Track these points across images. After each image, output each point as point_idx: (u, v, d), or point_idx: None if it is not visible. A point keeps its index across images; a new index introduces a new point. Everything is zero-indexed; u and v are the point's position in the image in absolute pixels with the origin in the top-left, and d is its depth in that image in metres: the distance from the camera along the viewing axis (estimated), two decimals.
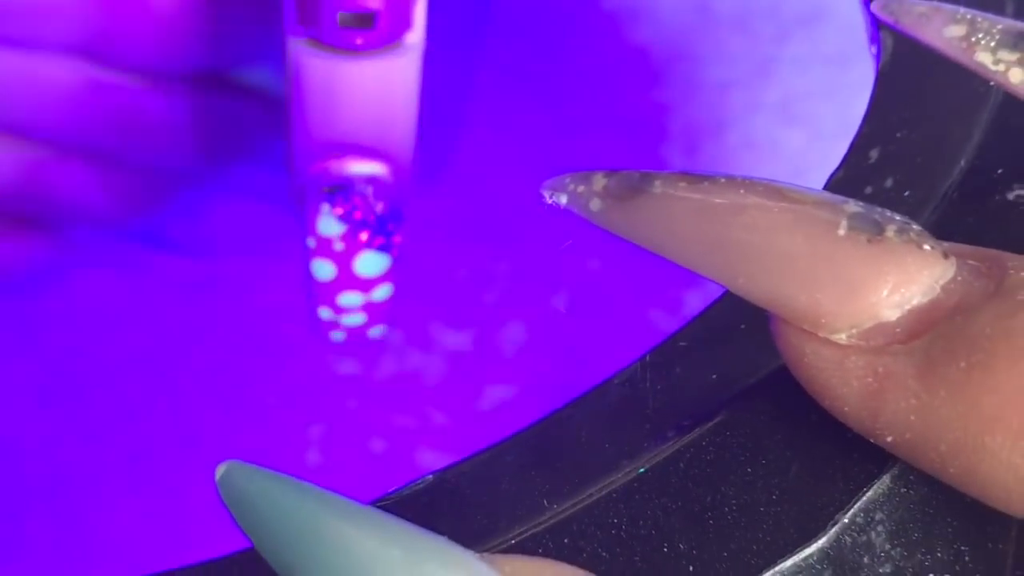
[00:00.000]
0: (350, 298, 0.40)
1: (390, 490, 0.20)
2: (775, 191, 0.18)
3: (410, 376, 0.45)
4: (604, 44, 0.50)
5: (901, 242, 0.17)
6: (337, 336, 0.41)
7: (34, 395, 0.44)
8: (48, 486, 0.42)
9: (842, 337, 0.17)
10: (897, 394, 0.17)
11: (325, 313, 0.41)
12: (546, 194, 0.19)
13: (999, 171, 0.21)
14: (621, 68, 0.50)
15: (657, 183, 0.18)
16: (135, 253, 0.46)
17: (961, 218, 0.21)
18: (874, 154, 0.23)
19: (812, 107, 0.50)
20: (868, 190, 0.22)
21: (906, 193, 0.22)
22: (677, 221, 0.18)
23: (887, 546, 0.18)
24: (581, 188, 0.19)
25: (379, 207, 0.38)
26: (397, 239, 0.39)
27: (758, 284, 0.18)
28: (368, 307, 0.40)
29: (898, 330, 0.17)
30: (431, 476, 0.20)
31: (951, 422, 0.16)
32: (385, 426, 0.44)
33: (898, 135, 0.23)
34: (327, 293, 0.40)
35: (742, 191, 0.18)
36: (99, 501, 0.42)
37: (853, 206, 0.17)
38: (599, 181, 0.19)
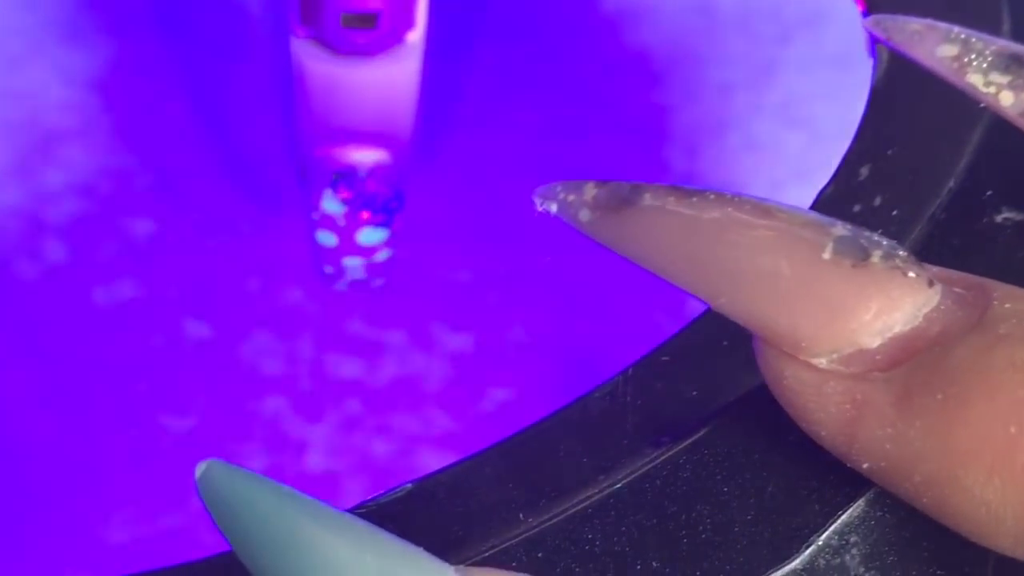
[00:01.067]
0: (352, 261, 0.41)
1: (368, 498, 0.20)
2: (763, 210, 0.17)
3: (412, 379, 0.45)
4: (606, 45, 0.50)
5: (886, 268, 0.17)
6: (340, 287, 0.42)
7: (35, 396, 0.44)
8: (49, 487, 0.42)
9: (822, 361, 0.17)
10: (874, 422, 0.17)
11: (329, 270, 0.41)
12: (537, 201, 0.18)
13: (987, 193, 0.21)
14: (623, 69, 0.50)
15: (647, 196, 0.18)
16: (138, 249, 0.46)
17: (948, 239, 0.21)
18: (864, 171, 0.23)
19: (813, 109, 0.50)
20: (857, 208, 0.22)
21: (894, 212, 0.22)
22: (663, 236, 0.18)
23: (861, 569, 0.18)
24: (571, 197, 0.18)
25: (380, 191, 0.39)
26: (398, 215, 0.39)
27: (740, 304, 0.17)
28: (369, 267, 0.41)
29: (878, 357, 0.17)
30: (410, 484, 0.20)
31: (925, 453, 0.16)
32: (387, 428, 0.44)
33: (889, 152, 0.23)
34: (330, 256, 0.41)
35: (730, 208, 0.17)
36: (101, 502, 0.42)
37: (840, 229, 0.17)
38: (589, 191, 0.18)
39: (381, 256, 0.42)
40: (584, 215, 0.18)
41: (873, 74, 0.25)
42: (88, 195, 0.46)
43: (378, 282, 0.43)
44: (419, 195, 0.46)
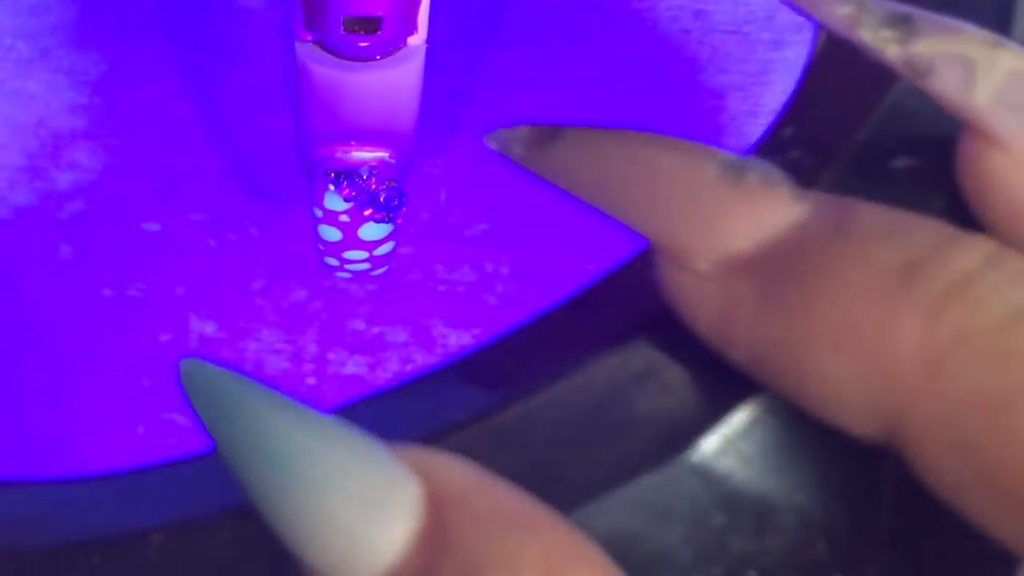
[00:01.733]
0: (355, 254, 0.42)
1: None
2: (661, 141, 0.20)
3: (413, 375, 0.46)
4: (603, 49, 0.51)
5: (761, 185, 0.19)
6: (342, 276, 0.43)
7: (45, 394, 0.45)
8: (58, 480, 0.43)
9: (702, 266, 0.19)
10: (743, 319, 0.19)
11: (332, 262, 0.42)
12: (487, 142, 0.22)
13: (889, 144, 0.23)
14: (621, 73, 0.50)
15: (568, 133, 0.21)
16: (145, 248, 0.47)
17: (851, 181, 0.23)
18: (788, 131, 0.25)
19: None
20: (777, 160, 0.24)
21: (805, 161, 0.23)
22: (580, 166, 0.20)
23: (747, 472, 0.19)
24: (508, 136, 0.21)
25: (382, 190, 0.40)
26: (400, 213, 0.40)
27: (640, 219, 0.20)
28: (372, 259, 0.42)
29: (748, 261, 0.19)
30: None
31: (787, 345, 0.18)
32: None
33: (812, 114, 0.25)
34: (333, 249, 0.41)
35: (635, 142, 0.20)
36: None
37: (725, 155, 0.20)
38: (523, 131, 0.21)
39: (384, 249, 0.42)
40: (517, 148, 0.21)
41: (812, 46, 0.27)
42: (96, 195, 0.47)
43: (381, 271, 0.44)
44: (421, 193, 0.47)
